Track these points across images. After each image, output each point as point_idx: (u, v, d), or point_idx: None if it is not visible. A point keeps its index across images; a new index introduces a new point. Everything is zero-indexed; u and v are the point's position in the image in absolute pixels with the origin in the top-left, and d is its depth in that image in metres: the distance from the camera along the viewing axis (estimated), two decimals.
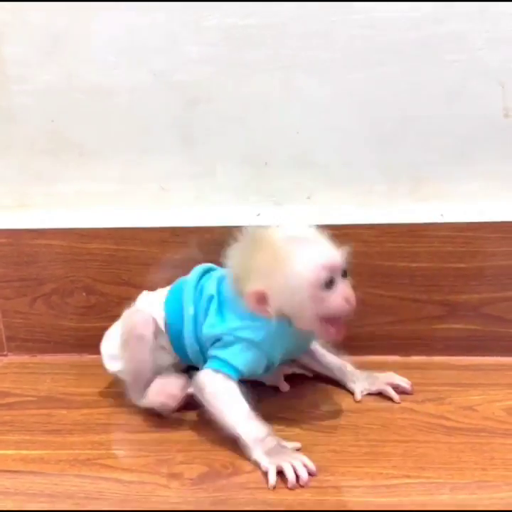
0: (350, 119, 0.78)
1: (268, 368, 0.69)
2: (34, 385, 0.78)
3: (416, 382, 0.75)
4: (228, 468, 0.62)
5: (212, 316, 0.68)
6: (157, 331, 0.70)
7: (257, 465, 0.61)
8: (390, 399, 0.72)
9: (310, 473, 0.59)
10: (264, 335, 0.66)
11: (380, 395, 0.73)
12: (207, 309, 0.69)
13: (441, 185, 0.78)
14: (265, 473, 0.59)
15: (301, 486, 0.58)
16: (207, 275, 0.73)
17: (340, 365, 0.75)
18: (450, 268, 0.78)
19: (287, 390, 0.75)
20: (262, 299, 0.64)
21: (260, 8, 0.75)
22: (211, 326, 0.68)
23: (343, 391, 0.74)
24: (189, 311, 0.70)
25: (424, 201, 0.79)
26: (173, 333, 0.71)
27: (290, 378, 0.76)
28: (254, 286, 0.64)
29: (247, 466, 0.61)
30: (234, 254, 0.68)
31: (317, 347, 0.75)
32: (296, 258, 0.63)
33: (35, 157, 0.82)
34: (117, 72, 0.78)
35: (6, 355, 0.86)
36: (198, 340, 0.69)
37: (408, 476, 0.59)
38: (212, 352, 0.67)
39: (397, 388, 0.73)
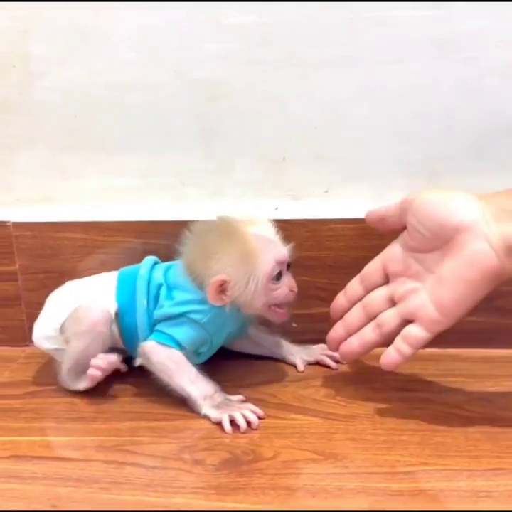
0: (368, 115, 0.79)
1: (210, 349, 0.74)
2: (56, 375, 0.79)
3: (430, 374, 0.77)
4: (249, 455, 0.63)
5: (162, 300, 0.72)
6: (111, 324, 0.74)
7: (207, 419, 0.68)
8: (405, 389, 0.74)
9: (259, 417, 0.68)
10: (210, 318, 0.70)
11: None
12: (156, 296, 0.73)
13: (458, 179, 0.79)
14: (218, 424, 0.67)
15: (254, 429, 0.66)
16: (154, 267, 0.76)
17: (276, 341, 0.80)
18: None
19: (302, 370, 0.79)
20: (222, 288, 0.68)
21: (278, 6, 0.76)
22: (160, 308, 0.72)
23: (358, 382, 0.76)
24: (143, 303, 0.73)
25: None
26: (126, 326, 0.74)
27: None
28: (218, 275, 0.68)
29: (267, 453, 0.63)
30: (195, 240, 0.72)
31: (252, 331, 0.79)
32: (261, 254, 0.69)
33: (58, 152, 0.83)
34: (138, 69, 0.79)
35: (28, 346, 0.88)
36: (151, 330, 0.73)
37: (426, 464, 0.61)
38: (158, 327, 0.72)
39: (331, 357, 0.79)
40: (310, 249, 0.81)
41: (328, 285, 0.82)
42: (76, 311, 0.73)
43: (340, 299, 0.74)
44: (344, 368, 0.79)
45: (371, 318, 0.71)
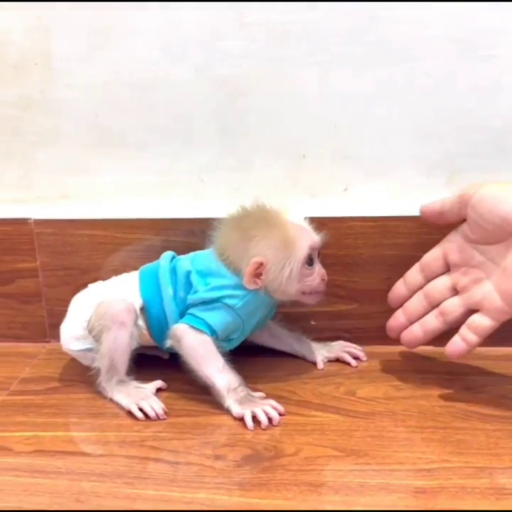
0: (387, 113, 0.79)
1: (241, 334, 0.75)
2: (77, 370, 0.80)
3: (450, 372, 0.77)
4: (271, 451, 0.64)
5: (196, 285, 0.72)
6: (136, 318, 0.74)
7: (229, 414, 0.69)
8: (425, 387, 0.74)
9: (280, 414, 0.68)
10: (244, 303, 0.71)
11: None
12: (186, 284, 0.73)
13: (476, 177, 0.79)
14: (240, 420, 0.68)
15: (274, 426, 0.67)
16: (174, 260, 0.77)
17: (297, 338, 0.81)
18: None
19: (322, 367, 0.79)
20: (258, 271, 0.69)
21: (299, 4, 0.76)
22: (195, 292, 0.72)
23: (378, 380, 0.76)
24: (168, 291, 0.74)
25: None
26: (153, 318, 0.75)
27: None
28: (256, 257, 0.69)
29: (289, 449, 0.64)
30: (230, 226, 0.73)
31: (271, 324, 0.80)
32: (297, 240, 0.70)
33: (79, 149, 0.84)
34: (160, 67, 0.80)
35: (48, 342, 0.89)
36: (181, 317, 0.73)
37: (447, 461, 0.61)
38: (191, 310, 0.72)
39: (351, 354, 0.80)
40: (329, 247, 0.81)
41: (346, 283, 0.82)
42: (99, 307, 0.74)
43: (400, 287, 0.76)
44: (364, 365, 0.80)
45: (433, 306, 0.72)
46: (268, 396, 0.71)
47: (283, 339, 0.80)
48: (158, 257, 0.83)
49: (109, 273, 0.84)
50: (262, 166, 0.83)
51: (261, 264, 0.69)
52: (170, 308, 0.74)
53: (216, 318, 0.71)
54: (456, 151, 0.80)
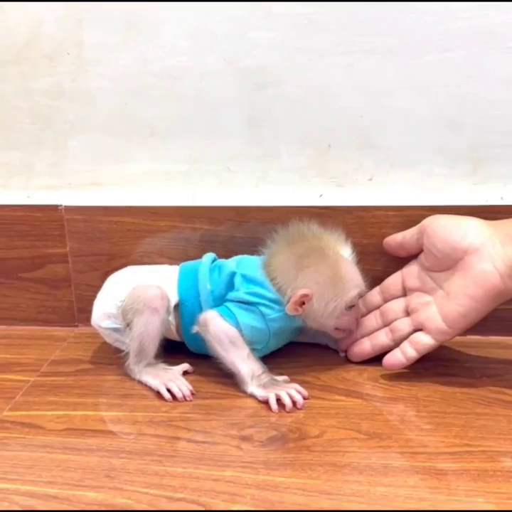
0: (413, 103, 0.80)
1: (263, 348, 0.75)
2: (105, 354, 0.82)
3: (472, 360, 0.78)
4: (295, 432, 0.65)
5: (238, 285, 0.74)
6: (168, 305, 0.75)
7: (253, 397, 0.71)
8: (447, 374, 0.75)
9: (304, 398, 0.70)
10: (277, 317, 0.73)
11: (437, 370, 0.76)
12: (228, 283, 0.75)
13: (501, 167, 0.80)
14: (264, 403, 0.69)
15: (299, 409, 0.69)
16: (215, 261, 0.79)
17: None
18: None
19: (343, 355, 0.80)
20: (302, 301, 0.71)
21: None
22: (236, 291, 0.74)
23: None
24: (206, 286, 0.75)
25: (484, 184, 0.81)
26: (188, 314, 0.76)
27: None
28: (303, 288, 0.70)
29: (313, 431, 0.65)
30: (284, 246, 0.74)
31: None
32: (348, 282, 0.72)
33: (108, 138, 0.86)
34: (188, 58, 0.81)
35: (77, 326, 0.91)
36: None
37: (469, 445, 0.62)
38: (227, 304, 0.74)
39: None
40: (353, 236, 0.82)
41: (370, 271, 0.82)
42: (134, 290, 0.75)
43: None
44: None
45: (386, 324, 0.78)
46: (292, 381, 0.73)
47: (305, 331, 0.80)
48: (185, 244, 0.86)
49: (137, 259, 0.86)
50: (287, 156, 0.84)
51: (307, 296, 0.70)
52: (207, 304, 0.75)
53: (247, 318, 0.73)
54: (481, 142, 0.80)
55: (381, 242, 0.82)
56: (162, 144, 0.85)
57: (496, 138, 0.80)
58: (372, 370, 0.77)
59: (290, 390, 0.70)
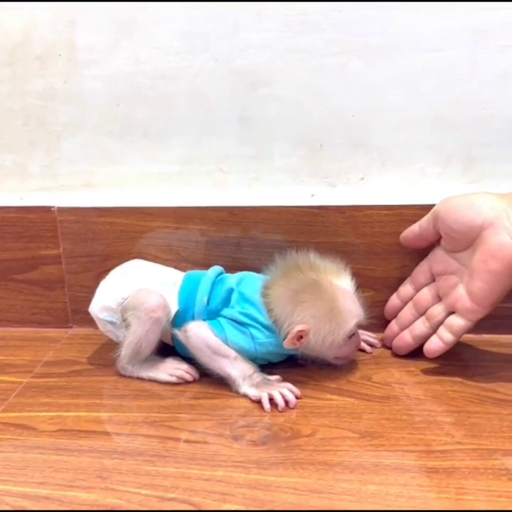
0: (404, 102, 0.80)
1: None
2: (99, 354, 0.83)
3: (464, 358, 0.78)
4: (287, 432, 0.65)
5: (234, 302, 0.74)
6: (169, 317, 0.75)
7: (246, 397, 0.71)
8: (439, 372, 0.75)
9: (296, 397, 0.70)
10: (266, 343, 0.72)
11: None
12: (226, 299, 0.75)
13: (493, 166, 0.80)
14: (257, 402, 0.69)
15: (291, 409, 0.69)
16: (220, 276, 0.78)
17: None
18: None
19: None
20: (301, 334, 0.70)
21: None
22: (231, 308, 0.74)
23: (392, 365, 0.77)
24: (203, 299, 0.75)
25: (477, 182, 0.81)
26: (180, 322, 0.75)
27: None
28: (300, 324, 0.70)
29: (305, 431, 0.65)
30: (282, 279, 0.73)
31: None
32: (345, 314, 0.71)
33: (101, 139, 0.86)
34: (181, 58, 0.81)
35: (70, 327, 0.91)
36: None
37: (461, 443, 0.62)
38: (219, 319, 0.74)
39: (366, 341, 0.82)
40: (346, 235, 0.83)
41: (363, 271, 0.83)
42: (138, 294, 0.75)
43: (394, 300, 0.82)
44: (379, 351, 0.81)
45: (421, 313, 0.78)
46: (284, 381, 0.73)
47: None
48: (178, 245, 0.86)
49: (129, 260, 0.86)
50: (280, 156, 0.84)
51: (303, 331, 0.70)
52: (199, 316, 0.75)
53: (236, 337, 0.72)
54: (474, 141, 0.80)
55: (373, 241, 0.82)
56: (155, 144, 0.85)
57: (489, 137, 0.80)
58: (364, 369, 0.77)
59: (282, 390, 0.70)
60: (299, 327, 0.70)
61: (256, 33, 0.79)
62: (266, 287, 0.73)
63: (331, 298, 0.71)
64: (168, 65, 0.81)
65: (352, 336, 0.73)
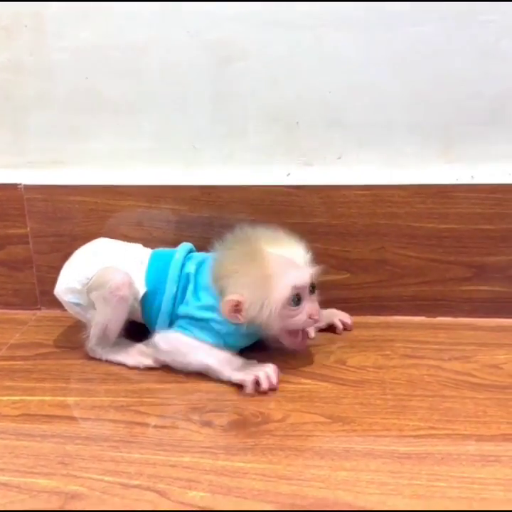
0: (382, 80, 0.78)
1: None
2: (67, 337, 0.81)
3: (441, 342, 0.77)
4: (258, 417, 0.64)
5: (189, 296, 0.72)
6: (136, 296, 0.73)
7: (229, 382, 0.68)
8: (415, 356, 0.73)
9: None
10: (230, 330, 0.70)
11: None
12: (184, 288, 0.73)
13: (472, 146, 0.78)
14: (240, 387, 0.67)
15: (272, 390, 0.67)
16: (189, 255, 0.76)
17: None
18: (479, 230, 0.79)
19: (313, 336, 0.76)
20: (237, 308, 0.68)
21: None
22: (186, 304, 0.72)
23: (368, 349, 0.76)
24: (172, 289, 0.73)
25: (455, 163, 0.79)
26: (149, 306, 0.74)
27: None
28: (232, 294, 0.67)
29: (277, 415, 0.64)
30: (225, 252, 0.71)
31: None
32: (278, 279, 0.67)
33: (70, 114, 0.83)
34: (151, 31, 0.78)
35: (39, 309, 0.89)
36: (171, 315, 0.73)
37: (434, 428, 0.61)
38: (180, 322, 0.72)
39: (341, 321, 0.80)
40: (322, 216, 0.81)
41: (339, 252, 0.81)
42: (102, 273, 0.72)
43: None
44: (354, 334, 0.79)
45: None
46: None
47: None
48: (149, 225, 0.83)
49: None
50: (255, 133, 0.82)
51: (238, 302, 0.67)
52: (166, 305, 0.73)
53: (202, 335, 0.71)
54: (452, 119, 0.78)
55: (350, 222, 0.80)
56: (125, 120, 0.82)
57: (468, 116, 0.78)
58: (339, 352, 0.75)
59: (267, 369, 0.68)
60: (230, 296, 0.67)
61: (229, 5, 0.76)
62: (212, 268, 0.71)
63: (260, 265, 0.68)
64: (139, 37, 0.78)
65: (299, 303, 0.68)
